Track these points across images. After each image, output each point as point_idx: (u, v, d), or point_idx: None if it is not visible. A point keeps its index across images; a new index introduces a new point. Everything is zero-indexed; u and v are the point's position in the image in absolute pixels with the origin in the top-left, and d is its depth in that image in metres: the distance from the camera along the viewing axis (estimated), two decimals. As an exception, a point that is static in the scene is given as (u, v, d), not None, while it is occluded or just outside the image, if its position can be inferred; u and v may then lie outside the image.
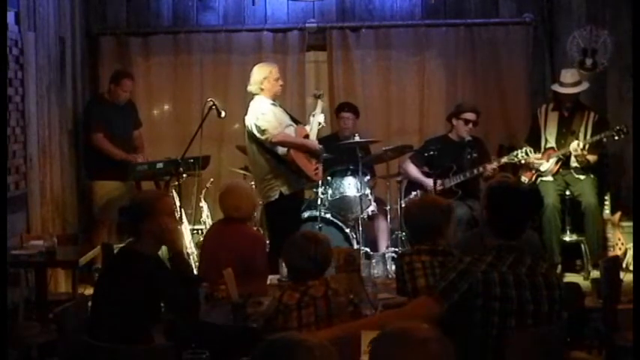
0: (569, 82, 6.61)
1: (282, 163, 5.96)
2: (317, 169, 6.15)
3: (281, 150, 5.94)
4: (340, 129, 6.98)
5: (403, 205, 6.68)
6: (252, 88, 6.03)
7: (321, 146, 6.21)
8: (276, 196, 5.95)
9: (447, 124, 6.97)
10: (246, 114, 6.04)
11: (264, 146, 5.94)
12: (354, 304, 3.56)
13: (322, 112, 6.38)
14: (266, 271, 4.61)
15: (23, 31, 5.68)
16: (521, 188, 3.46)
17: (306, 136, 6.18)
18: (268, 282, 4.55)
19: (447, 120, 6.88)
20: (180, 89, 7.45)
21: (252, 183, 6.18)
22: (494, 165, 6.47)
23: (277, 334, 2.06)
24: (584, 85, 6.67)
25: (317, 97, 6.42)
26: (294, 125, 6.14)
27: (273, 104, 6.02)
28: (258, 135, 5.90)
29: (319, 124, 6.29)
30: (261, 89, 5.99)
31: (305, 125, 6.29)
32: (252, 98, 6.04)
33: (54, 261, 5.16)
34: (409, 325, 2.11)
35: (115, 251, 4.47)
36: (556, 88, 6.72)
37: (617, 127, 6.36)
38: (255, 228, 6.61)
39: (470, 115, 6.65)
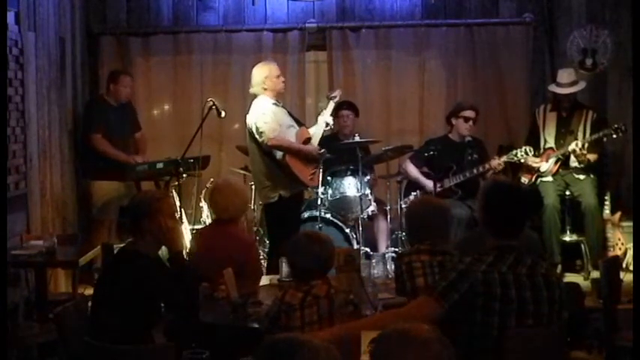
0: (566, 82, 6.62)
1: (278, 167, 5.95)
2: (313, 174, 6.12)
3: (278, 154, 5.92)
4: (340, 127, 6.95)
5: (404, 205, 6.68)
6: (255, 89, 5.99)
7: (323, 150, 6.16)
8: (276, 198, 5.93)
9: (446, 123, 6.96)
10: (247, 113, 6.03)
11: (263, 148, 5.93)
12: (354, 304, 3.56)
13: (332, 114, 6.37)
14: (257, 275, 4.56)
15: (23, 31, 5.68)
16: (517, 187, 3.47)
17: (308, 139, 6.15)
18: (268, 282, 4.54)
19: (446, 120, 6.87)
20: (180, 89, 7.45)
21: (252, 183, 6.18)
22: (500, 162, 6.44)
23: (281, 335, 2.05)
24: (581, 85, 6.67)
25: (330, 98, 6.38)
26: (296, 127, 6.12)
27: (275, 104, 6.00)
28: (256, 135, 5.89)
29: (327, 124, 6.25)
30: (264, 89, 5.96)
31: (308, 126, 6.27)
32: (255, 97, 6.02)
33: (54, 261, 5.15)
34: (410, 325, 2.11)
35: (115, 251, 4.47)
36: (553, 88, 6.73)
37: (616, 126, 6.37)
38: (255, 228, 6.63)
39: (469, 113, 6.64)
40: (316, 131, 6.22)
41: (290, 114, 6.16)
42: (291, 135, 6.02)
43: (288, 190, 5.97)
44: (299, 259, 3.53)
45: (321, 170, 6.26)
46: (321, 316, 3.40)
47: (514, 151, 6.49)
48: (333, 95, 6.39)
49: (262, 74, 5.97)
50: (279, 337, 2.02)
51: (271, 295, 3.86)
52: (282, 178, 5.95)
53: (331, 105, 6.34)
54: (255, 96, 6.01)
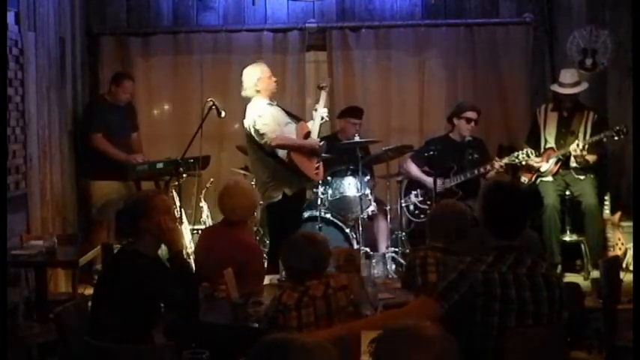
0: (569, 82, 6.62)
1: (282, 165, 5.94)
2: (318, 168, 6.13)
3: (281, 152, 5.91)
4: (346, 133, 6.90)
5: (404, 205, 6.68)
6: (248, 92, 5.98)
7: (323, 142, 6.16)
8: (280, 197, 5.92)
9: (446, 123, 6.97)
10: (244, 116, 6.02)
11: (264, 149, 5.92)
12: (354, 304, 3.56)
13: (325, 105, 6.33)
14: (259, 279, 4.56)
15: (23, 31, 5.68)
16: (517, 188, 3.48)
17: (308, 134, 6.15)
18: (268, 282, 4.54)
19: (447, 120, 6.87)
20: (180, 89, 7.45)
21: (253, 183, 6.17)
22: (501, 164, 6.45)
23: (272, 335, 2.05)
24: (584, 86, 6.67)
25: (321, 87, 6.32)
26: (295, 123, 6.11)
27: (270, 104, 6.00)
28: (257, 138, 5.88)
29: (322, 118, 6.24)
30: (257, 91, 5.96)
31: (307, 122, 6.26)
32: (250, 101, 6.01)
33: (54, 261, 5.16)
34: (414, 323, 2.10)
35: (115, 251, 4.47)
36: (555, 88, 6.73)
37: (617, 128, 6.37)
38: (255, 228, 6.63)
39: (471, 114, 6.66)
40: (314, 127, 6.22)
41: (285, 111, 6.15)
42: (290, 131, 6.02)
43: (292, 187, 5.97)
44: (293, 260, 3.54)
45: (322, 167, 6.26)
46: (318, 317, 3.40)
47: (515, 153, 6.49)
48: (324, 85, 6.35)
49: (254, 76, 5.96)
50: (269, 337, 2.01)
51: (271, 295, 3.86)
52: (287, 175, 5.95)
53: (323, 95, 6.30)
54: (248, 99, 6.00)
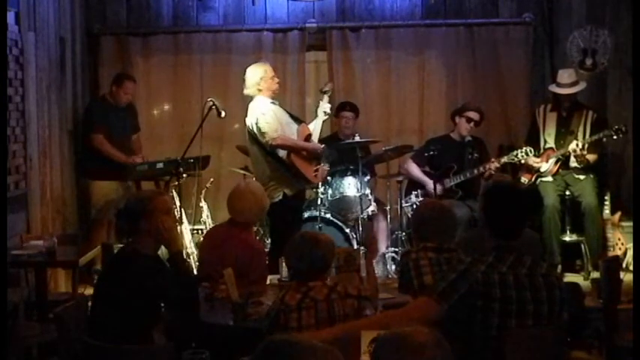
0: (566, 82, 6.62)
1: (282, 166, 5.95)
2: (316, 171, 6.14)
3: (281, 153, 5.92)
4: (340, 128, 6.97)
5: (404, 205, 6.68)
6: (250, 90, 6.01)
7: (323, 146, 6.18)
8: (280, 197, 5.93)
9: (446, 123, 6.97)
10: (246, 115, 6.03)
11: (265, 148, 5.93)
12: (359, 300, 3.52)
13: (329, 102, 6.36)
14: (261, 282, 4.56)
15: (23, 31, 5.68)
16: (518, 188, 3.48)
17: (309, 136, 6.16)
18: (269, 282, 4.55)
19: (450, 117, 6.89)
20: (180, 89, 7.45)
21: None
22: (497, 164, 6.47)
23: (277, 335, 2.05)
24: (582, 85, 6.66)
25: (324, 92, 6.38)
26: (294, 123, 6.12)
27: (272, 103, 6.02)
28: (258, 137, 5.89)
29: (325, 113, 6.26)
30: (259, 90, 5.98)
31: (308, 124, 6.27)
32: (252, 99, 6.03)
33: (54, 261, 5.16)
34: (408, 330, 2.10)
35: (115, 251, 4.47)
36: (553, 88, 6.73)
37: (616, 127, 6.37)
38: (255, 228, 6.63)
39: (473, 114, 6.67)
40: (316, 126, 6.24)
41: (287, 111, 6.17)
42: (291, 131, 6.04)
43: (292, 188, 5.98)
44: (294, 260, 3.54)
45: (327, 168, 6.27)
46: (319, 320, 3.37)
47: (515, 152, 6.50)
48: (326, 89, 6.40)
49: (257, 75, 5.98)
50: (275, 338, 2.01)
51: (272, 296, 3.86)
52: (287, 176, 5.96)
53: (325, 99, 6.35)
54: (250, 97, 6.01)
